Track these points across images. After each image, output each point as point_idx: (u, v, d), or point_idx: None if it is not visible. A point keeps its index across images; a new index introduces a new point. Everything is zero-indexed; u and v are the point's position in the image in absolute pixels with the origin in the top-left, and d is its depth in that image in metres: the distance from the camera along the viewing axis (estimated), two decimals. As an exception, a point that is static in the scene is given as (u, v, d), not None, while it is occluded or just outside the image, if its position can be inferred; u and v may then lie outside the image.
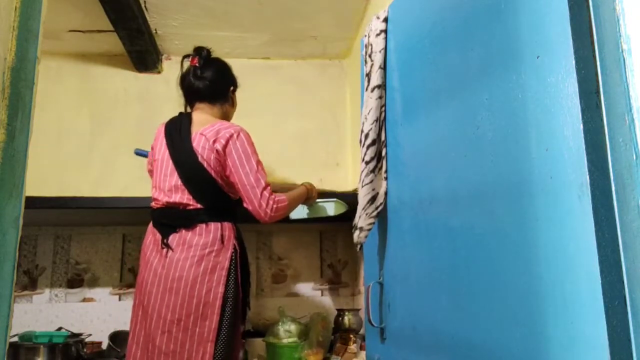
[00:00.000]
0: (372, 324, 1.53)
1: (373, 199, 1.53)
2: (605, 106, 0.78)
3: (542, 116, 0.89)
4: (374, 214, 1.53)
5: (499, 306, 0.99)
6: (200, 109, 1.96)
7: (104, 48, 2.89)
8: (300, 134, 2.99)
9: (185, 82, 1.99)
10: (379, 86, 1.55)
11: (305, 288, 2.89)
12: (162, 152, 1.89)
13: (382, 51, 1.57)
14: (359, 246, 1.61)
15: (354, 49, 2.86)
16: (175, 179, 1.82)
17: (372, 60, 1.60)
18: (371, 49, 1.62)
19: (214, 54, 2.07)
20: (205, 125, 1.86)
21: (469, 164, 1.13)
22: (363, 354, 2.17)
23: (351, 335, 2.37)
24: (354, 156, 2.81)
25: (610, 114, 0.77)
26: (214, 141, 1.80)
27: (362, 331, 2.43)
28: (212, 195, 1.83)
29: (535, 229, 0.89)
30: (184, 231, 1.78)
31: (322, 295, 2.89)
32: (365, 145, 1.54)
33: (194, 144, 1.82)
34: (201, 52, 1.98)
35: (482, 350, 1.02)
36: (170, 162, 1.85)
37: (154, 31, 2.73)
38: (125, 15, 2.39)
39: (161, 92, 2.93)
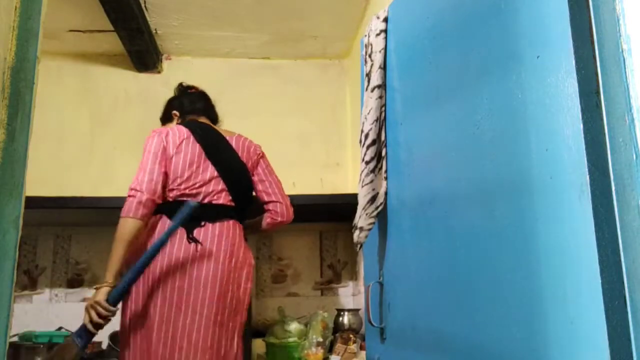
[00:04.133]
0: (372, 324, 1.53)
1: (373, 199, 1.53)
2: (605, 106, 0.78)
3: (542, 116, 0.89)
4: (374, 214, 1.53)
5: (499, 306, 0.99)
6: (206, 121, 2.04)
7: (104, 48, 2.89)
8: (300, 134, 2.99)
9: (187, 98, 2.10)
10: (379, 86, 1.55)
11: (305, 288, 2.89)
12: (190, 150, 1.86)
13: (382, 51, 1.57)
14: (359, 246, 1.60)
15: (354, 49, 2.86)
16: (210, 174, 1.84)
17: (372, 60, 1.60)
18: (371, 49, 1.62)
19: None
20: (233, 133, 2.00)
21: (469, 164, 1.13)
22: (363, 354, 2.17)
23: (351, 335, 2.37)
24: (354, 156, 2.81)
25: (610, 114, 0.77)
26: (255, 147, 1.99)
27: (362, 331, 2.43)
28: (246, 195, 1.93)
29: (535, 229, 0.89)
30: (210, 225, 1.78)
31: (322, 295, 2.89)
32: (365, 145, 1.54)
33: (234, 145, 1.94)
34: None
35: (482, 350, 1.02)
36: (203, 157, 1.86)
37: (154, 31, 2.73)
38: (125, 15, 2.39)
39: (161, 92, 2.92)
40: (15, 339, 2.26)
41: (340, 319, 2.52)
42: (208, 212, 1.80)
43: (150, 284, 1.73)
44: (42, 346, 2.20)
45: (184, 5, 2.52)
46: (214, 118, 2.11)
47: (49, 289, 2.74)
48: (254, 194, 1.98)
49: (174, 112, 2.07)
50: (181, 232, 1.76)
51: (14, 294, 0.64)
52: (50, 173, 2.69)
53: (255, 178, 1.96)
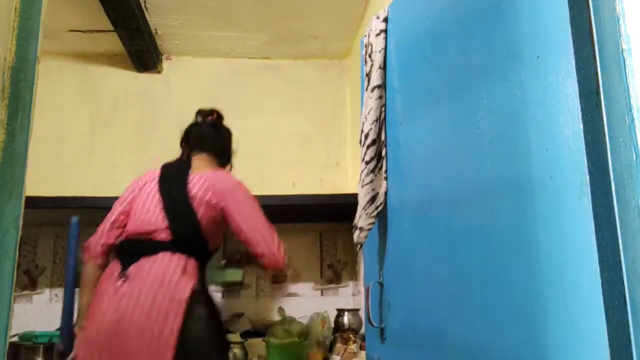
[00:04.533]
0: (372, 324, 1.53)
1: (373, 199, 1.53)
2: (605, 106, 0.78)
3: (542, 116, 0.89)
4: (374, 213, 1.53)
5: (499, 306, 0.99)
6: (202, 159, 1.99)
7: (104, 48, 2.89)
8: (300, 134, 2.99)
9: (199, 129, 2.06)
10: (379, 86, 1.55)
11: (305, 288, 2.88)
12: (149, 189, 1.88)
13: (382, 51, 1.57)
14: (359, 246, 1.60)
15: (354, 49, 2.86)
16: (157, 211, 1.81)
17: (372, 60, 1.60)
18: (371, 48, 1.62)
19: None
20: (206, 169, 1.93)
21: (469, 164, 1.13)
22: (363, 354, 2.17)
23: (351, 335, 2.37)
24: (354, 156, 2.81)
25: (610, 114, 0.77)
26: (214, 184, 1.85)
27: (362, 331, 2.43)
28: (189, 230, 1.81)
29: (535, 229, 0.89)
30: (145, 259, 1.72)
31: (322, 295, 2.89)
32: (365, 145, 1.54)
33: (190, 184, 1.85)
34: (219, 112, 2.10)
35: (482, 350, 1.02)
36: (157, 196, 1.85)
37: (154, 31, 2.73)
38: (125, 15, 2.39)
39: (161, 92, 2.93)
40: (15, 339, 2.26)
41: (340, 319, 2.52)
42: (147, 249, 1.76)
43: (86, 325, 1.71)
44: (42, 346, 2.19)
45: (184, 5, 2.52)
46: (221, 150, 2.05)
47: (49, 289, 2.74)
48: (202, 233, 1.85)
49: (183, 144, 2.07)
50: (116, 269, 1.74)
51: (14, 294, 0.64)
52: (50, 173, 2.69)
53: (232, 225, 1.83)
